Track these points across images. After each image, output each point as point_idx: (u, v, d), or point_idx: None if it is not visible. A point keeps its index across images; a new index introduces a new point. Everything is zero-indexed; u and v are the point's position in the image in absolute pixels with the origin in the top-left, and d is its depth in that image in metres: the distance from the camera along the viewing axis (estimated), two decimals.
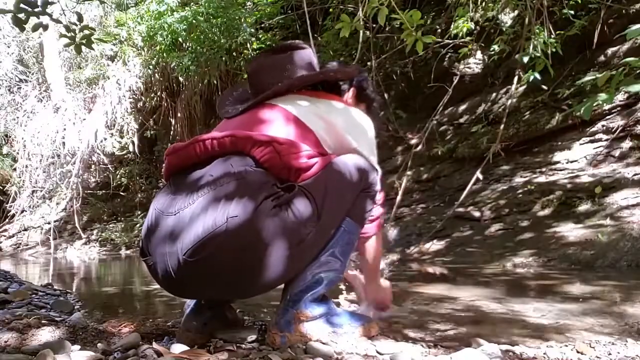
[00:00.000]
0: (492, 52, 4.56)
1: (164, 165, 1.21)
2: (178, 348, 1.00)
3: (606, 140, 3.54)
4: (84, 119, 8.31)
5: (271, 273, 1.03)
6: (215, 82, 6.80)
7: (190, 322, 1.19)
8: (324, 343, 1.09)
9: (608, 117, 3.62)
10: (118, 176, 8.60)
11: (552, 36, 3.48)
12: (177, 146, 1.17)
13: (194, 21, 5.67)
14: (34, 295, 1.97)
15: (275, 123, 1.16)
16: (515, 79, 3.80)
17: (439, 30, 4.82)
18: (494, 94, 4.62)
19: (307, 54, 1.34)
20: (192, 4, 6.10)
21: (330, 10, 5.32)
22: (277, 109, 1.19)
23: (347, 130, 1.20)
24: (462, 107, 4.86)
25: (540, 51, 3.21)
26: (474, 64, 4.94)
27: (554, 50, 3.32)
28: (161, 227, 1.06)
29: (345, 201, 1.15)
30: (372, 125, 1.28)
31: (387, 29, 4.86)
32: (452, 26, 4.00)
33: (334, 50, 5.33)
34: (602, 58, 3.91)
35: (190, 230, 1.01)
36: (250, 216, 0.99)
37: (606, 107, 3.56)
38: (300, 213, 1.04)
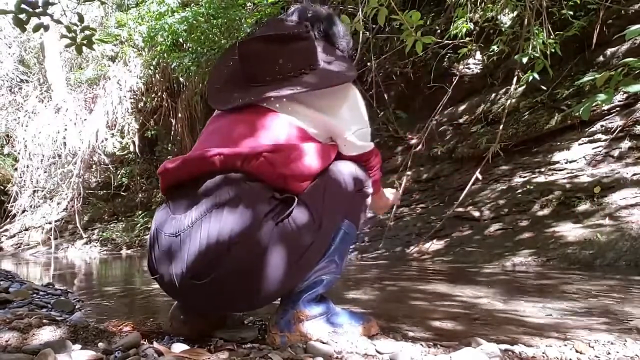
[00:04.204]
0: (492, 53, 4.57)
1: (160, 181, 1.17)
2: (179, 347, 1.01)
3: (605, 140, 3.54)
4: (85, 119, 8.32)
5: (274, 288, 1.06)
6: None
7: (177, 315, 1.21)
8: (324, 342, 1.09)
9: (607, 117, 3.62)
10: (119, 176, 8.61)
11: (551, 37, 3.48)
12: (168, 167, 1.13)
13: (194, 22, 5.68)
14: (35, 295, 1.97)
15: (269, 130, 1.13)
16: (515, 79, 3.80)
17: (439, 31, 4.82)
18: (493, 94, 4.62)
19: (305, 47, 1.21)
20: (192, 4, 6.11)
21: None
22: (270, 114, 1.15)
23: (328, 114, 1.18)
24: (462, 108, 4.87)
25: (540, 51, 3.21)
26: (474, 64, 4.95)
27: (553, 50, 3.32)
28: (163, 247, 1.06)
29: (342, 206, 1.17)
30: (355, 96, 1.23)
31: (386, 29, 4.86)
32: (451, 27, 4.00)
33: None
34: (601, 58, 3.92)
35: (192, 253, 1.01)
36: (253, 239, 0.99)
37: (605, 107, 3.57)
38: (302, 225, 1.05)
